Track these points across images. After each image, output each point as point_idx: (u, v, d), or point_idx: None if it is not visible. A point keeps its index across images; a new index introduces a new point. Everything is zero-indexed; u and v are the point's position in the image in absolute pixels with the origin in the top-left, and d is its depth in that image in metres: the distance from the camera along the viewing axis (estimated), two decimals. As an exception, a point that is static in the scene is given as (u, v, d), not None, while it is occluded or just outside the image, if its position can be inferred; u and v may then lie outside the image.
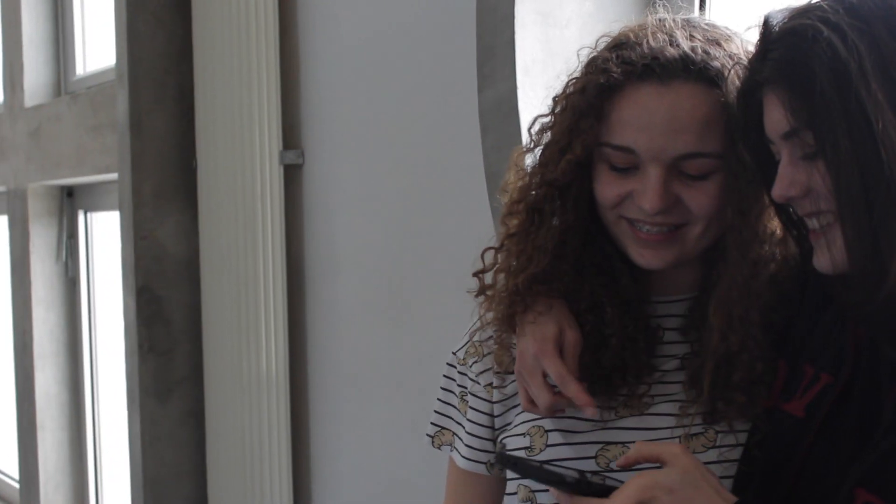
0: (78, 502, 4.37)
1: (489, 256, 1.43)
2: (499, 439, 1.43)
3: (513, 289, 1.37)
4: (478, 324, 1.45)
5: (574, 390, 1.29)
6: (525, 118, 1.93)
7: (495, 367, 1.42)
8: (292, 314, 2.71)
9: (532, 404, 1.34)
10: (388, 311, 2.43)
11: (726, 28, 1.32)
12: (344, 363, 2.59)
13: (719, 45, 1.28)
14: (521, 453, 1.37)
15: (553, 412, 1.33)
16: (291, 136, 2.70)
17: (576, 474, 1.16)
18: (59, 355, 4.32)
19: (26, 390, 4.34)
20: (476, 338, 1.45)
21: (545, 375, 1.32)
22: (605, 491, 1.15)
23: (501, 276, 1.40)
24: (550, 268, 1.35)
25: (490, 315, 1.41)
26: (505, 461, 1.23)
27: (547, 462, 1.26)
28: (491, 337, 1.42)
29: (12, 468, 5.18)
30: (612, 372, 1.35)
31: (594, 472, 1.20)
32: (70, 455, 4.35)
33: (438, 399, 1.51)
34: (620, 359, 1.35)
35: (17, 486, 4.98)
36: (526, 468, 1.21)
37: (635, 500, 1.11)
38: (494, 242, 1.42)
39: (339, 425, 2.62)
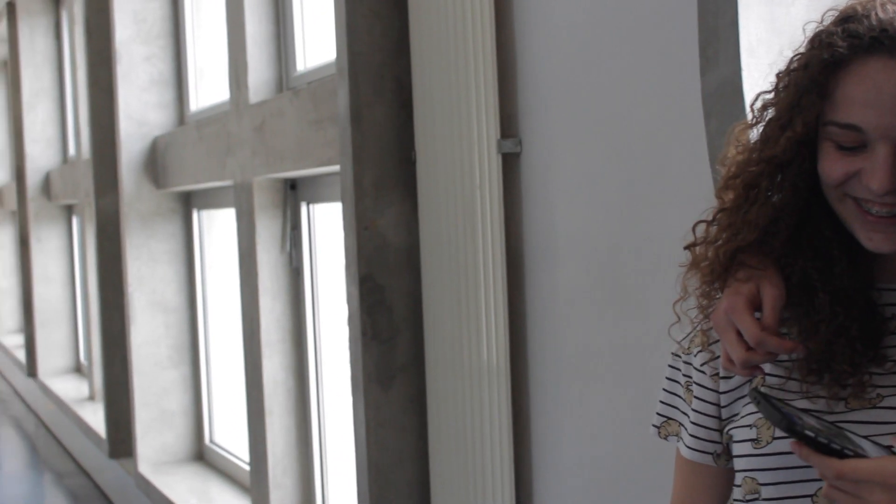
0: (304, 485, 4.50)
1: (701, 230, 1.42)
2: (725, 430, 1.41)
3: (715, 259, 1.35)
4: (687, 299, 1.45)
5: (772, 343, 1.26)
6: (750, 100, 1.88)
7: (704, 345, 1.41)
8: (512, 303, 2.72)
9: (731, 363, 1.32)
10: (609, 299, 2.41)
11: None
12: (565, 352, 2.58)
13: None
14: (748, 446, 1.35)
15: (750, 370, 1.31)
16: (509, 124, 2.71)
17: (823, 431, 1.14)
18: (284, 343, 4.45)
19: (255, 377, 4.49)
20: (677, 306, 1.44)
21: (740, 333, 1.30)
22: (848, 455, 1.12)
23: (710, 248, 1.38)
24: (758, 243, 1.33)
25: (693, 287, 1.41)
26: (755, 397, 1.22)
27: (803, 412, 1.23)
28: (696, 309, 1.42)
29: (243, 452, 5.39)
30: (821, 361, 1.31)
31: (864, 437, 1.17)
32: (296, 439, 4.49)
33: (664, 389, 1.50)
34: (829, 348, 1.30)
35: (247, 468, 5.18)
36: (770, 410, 1.19)
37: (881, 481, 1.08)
38: (707, 216, 1.41)
39: (561, 414, 2.62)
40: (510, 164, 2.71)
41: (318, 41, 4.30)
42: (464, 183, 2.80)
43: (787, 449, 1.27)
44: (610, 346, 2.41)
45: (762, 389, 1.34)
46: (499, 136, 2.69)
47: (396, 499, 3.17)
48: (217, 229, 5.86)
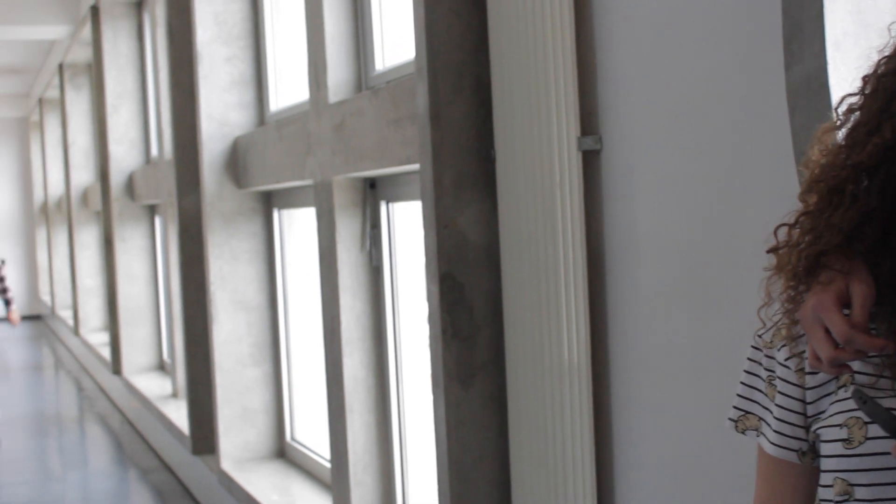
0: (385, 482, 4.53)
1: (783, 233, 1.40)
2: (812, 428, 1.39)
3: (798, 263, 1.34)
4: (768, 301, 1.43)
5: (861, 340, 1.25)
6: (836, 95, 1.85)
7: (790, 345, 1.40)
8: (593, 301, 2.71)
9: (819, 361, 1.30)
10: (691, 297, 2.39)
11: None
12: (646, 350, 2.56)
13: None
14: (839, 446, 1.33)
15: (838, 368, 1.30)
16: (589, 122, 2.69)
17: None
18: (364, 341, 4.47)
19: (335, 375, 4.52)
20: (762, 311, 1.43)
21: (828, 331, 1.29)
22: None
23: (794, 252, 1.37)
24: (842, 246, 1.32)
25: (777, 290, 1.39)
26: (860, 397, 1.22)
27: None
28: (779, 312, 1.40)
29: (324, 449, 5.43)
30: None
31: None
32: (377, 437, 4.51)
33: (742, 382, 1.49)
34: None
35: (328, 465, 5.22)
36: (878, 411, 1.18)
37: None
38: (788, 219, 1.40)
39: (642, 412, 2.60)
40: (590, 162, 2.70)
41: (396, 40, 4.32)
42: (543, 181, 2.80)
43: (882, 449, 1.25)
44: (692, 345, 2.39)
45: (863, 389, 1.32)
46: (579, 134, 2.68)
47: (477, 497, 3.17)
48: (297, 228, 5.91)
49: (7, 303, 10.36)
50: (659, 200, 2.48)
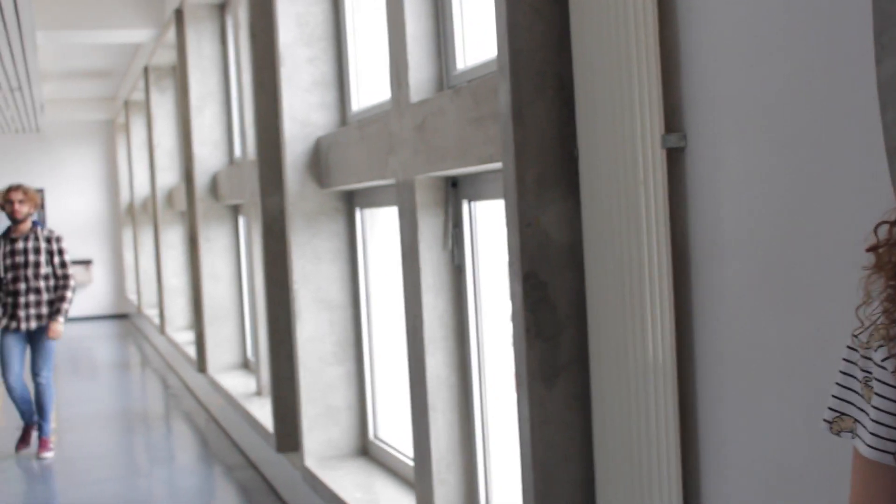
0: (468, 481, 4.53)
1: (883, 231, 1.37)
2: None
3: None
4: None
5: None
6: (929, 89, 1.81)
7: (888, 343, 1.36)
8: (678, 299, 2.69)
9: None
10: (778, 296, 2.36)
11: None
12: (733, 349, 2.53)
13: None
14: None
15: None
16: (673, 118, 2.67)
17: None
18: (447, 340, 4.48)
19: (418, 374, 4.53)
20: (860, 310, 1.40)
21: None
22: None
23: (894, 250, 1.34)
24: None
25: (876, 289, 1.36)
26: None
27: None
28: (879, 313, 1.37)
29: (407, 447, 5.45)
30: None
31: None
32: (460, 435, 4.52)
33: (837, 384, 1.46)
34: None
35: (411, 464, 5.24)
36: None
37: None
38: (889, 216, 1.37)
39: (729, 412, 2.57)
40: (675, 159, 2.68)
41: (477, 39, 4.32)
42: (627, 178, 2.78)
43: None
44: (780, 344, 2.36)
45: None
46: (663, 131, 2.66)
47: (561, 496, 3.16)
48: (379, 227, 5.94)
49: (56, 311, 8.53)
50: (745, 198, 2.45)
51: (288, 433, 6.64)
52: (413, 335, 4.55)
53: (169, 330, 13.19)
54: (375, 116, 5.13)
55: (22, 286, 8.40)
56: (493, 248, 4.42)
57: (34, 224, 8.62)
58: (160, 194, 13.63)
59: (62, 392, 12.55)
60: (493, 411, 4.48)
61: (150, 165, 14.21)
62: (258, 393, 8.51)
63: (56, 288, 8.51)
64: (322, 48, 6.00)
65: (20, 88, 13.80)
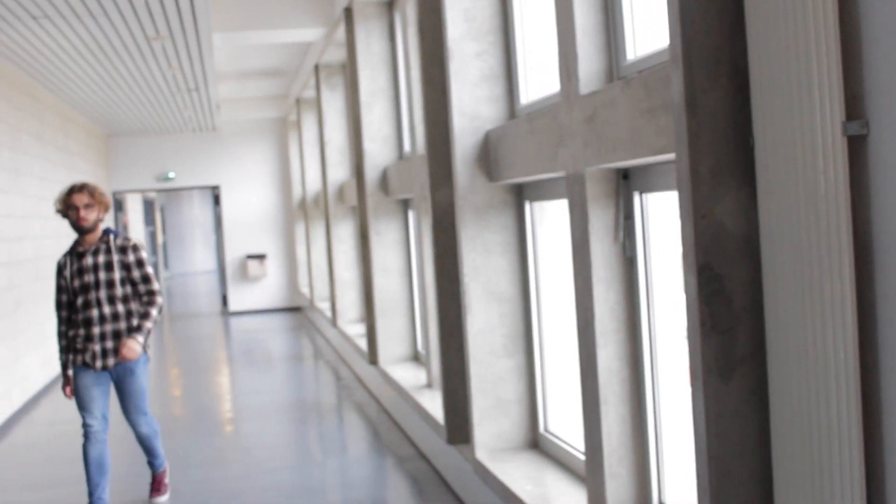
0: (640, 475, 4.49)
1: None
2: None
3: None
4: None
5: None
6: None
7: None
8: (861, 293, 2.60)
9: None
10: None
11: None
12: (920, 343, 2.44)
13: None
14: None
15: None
16: (854, 105, 2.58)
17: None
18: (619, 332, 4.45)
19: (589, 366, 4.51)
20: None
21: None
22: None
23: None
24: None
25: None
26: None
27: None
28: None
29: (578, 441, 5.43)
30: None
31: None
32: (632, 429, 4.47)
33: None
34: None
35: (582, 457, 5.22)
36: None
37: None
38: None
39: (917, 408, 2.48)
40: (856, 147, 2.59)
41: (648, 28, 4.26)
42: (805, 168, 2.70)
43: None
44: (972, 338, 2.26)
45: None
46: (843, 118, 2.57)
47: (737, 492, 3.10)
48: (549, 220, 5.93)
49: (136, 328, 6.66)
50: (933, 186, 2.35)
51: (458, 425, 6.69)
52: (584, 327, 4.53)
53: (341, 322, 13.44)
54: (544, 109, 5.11)
55: (94, 313, 6.56)
56: (665, 240, 4.36)
57: (105, 232, 6.69)
58: (331, 190, 13.90)
59: (239, 382, 12.94)
60: (666, 405, 4.42)
61: (322, 161, 14.50)
62: (428, 385, 8.60)
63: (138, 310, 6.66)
64: (490, 42, 6.02)
65: (197, 89, 14.28)
